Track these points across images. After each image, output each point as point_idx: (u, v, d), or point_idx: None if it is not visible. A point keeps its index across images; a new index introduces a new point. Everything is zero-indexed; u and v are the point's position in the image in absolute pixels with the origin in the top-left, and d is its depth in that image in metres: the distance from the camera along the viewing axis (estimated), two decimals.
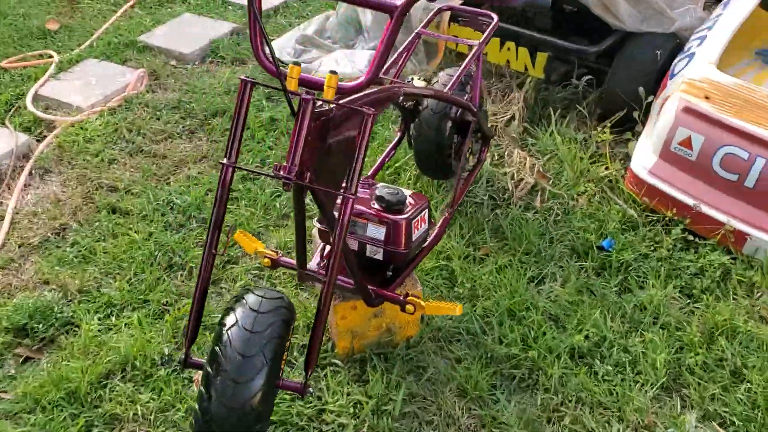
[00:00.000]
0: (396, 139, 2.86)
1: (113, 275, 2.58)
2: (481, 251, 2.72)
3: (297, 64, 1.62)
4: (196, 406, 1.58)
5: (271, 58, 1.63)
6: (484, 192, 2.99)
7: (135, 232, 2.75)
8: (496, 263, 2.64)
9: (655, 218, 2.86)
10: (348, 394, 2.17)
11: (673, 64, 3.09)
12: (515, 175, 3.04)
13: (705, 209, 2.72)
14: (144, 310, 2.43)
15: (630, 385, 2.23)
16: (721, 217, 2.69)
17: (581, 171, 3.10)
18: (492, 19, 2.69)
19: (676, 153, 2.76)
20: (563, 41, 3.26)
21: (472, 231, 2.79)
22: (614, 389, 2.21)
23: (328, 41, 3.93)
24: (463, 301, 2.50)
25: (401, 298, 2.07)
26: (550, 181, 3.05)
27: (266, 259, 2.16)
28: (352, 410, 2.11)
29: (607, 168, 3.11)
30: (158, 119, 3.45)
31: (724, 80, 2.80)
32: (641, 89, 3.12)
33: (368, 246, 2.14)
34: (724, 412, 2.17)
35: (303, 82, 1.63)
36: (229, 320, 1.59)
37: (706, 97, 2.74)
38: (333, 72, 1.62)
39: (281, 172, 1.61)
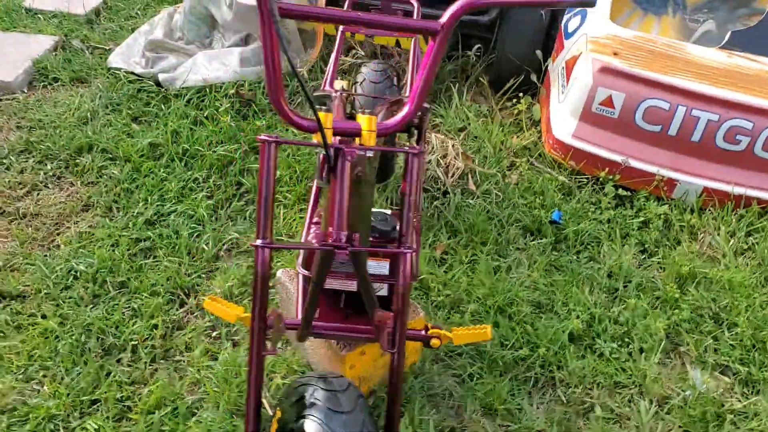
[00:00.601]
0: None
1: (38, 380, 2.08)
2: (438, 250, 2.58)
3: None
4: None
5: (291, 108, 1.32)
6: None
7: (42, 317, 2.25)
8: (460, 261, 2.51)
9: (584, 180, 2.89)
10: None
11: (564, 22, 3.11)
12: (440, 161, 2.91)
13: (634, 163, 2.79)
14: (99, 415, 1.99)
15: (635, 357, 2.24)
16: (650, 168, 2.78)
17: (499, 145, 3.04)
18: (412, 5, 2.48)
19: (598, 113, 2.79)
20: None
21: (422, 230, 2.63)
22: (624, 365, 2.21)
23: (180, 43, 3.47)
24: (445, 309, 2.35)
25: (423, 333, 1.87)
26: (476, 161, 2.95)
27: None
28: None
29: (518, 137, 3.09)
30: (8, 169, 2.84)
31: (626, 34, 2.85)
32: (539, 52, 3.10)
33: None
34: (724, 360, 2.26)
35: (337, 131, 1.35)
36: (313, 430, 1.30)
37: (615, 54, 2.78)
38: (370, 113, 1.35)
39: (329, 241, 1.34)
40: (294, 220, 2.63)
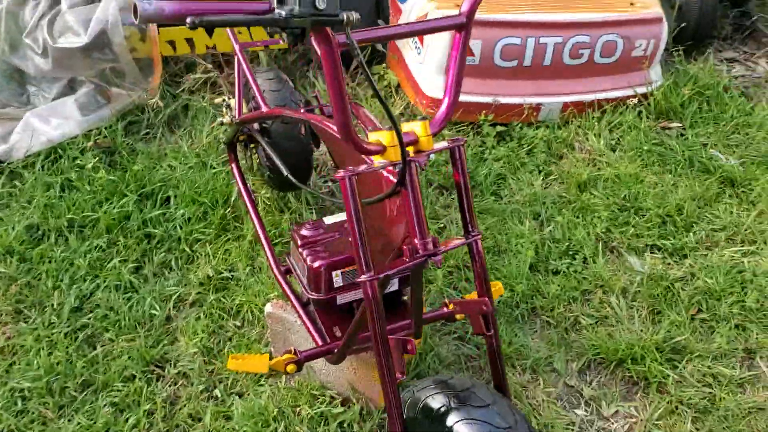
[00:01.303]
0: (237, 173, 2.48)
1: None
2: None
3: None
4: None
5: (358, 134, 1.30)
6: (322, 182, 2.83)
7: None
8: None
9: (465, 128, 3.09)
10: None
11: None
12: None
13: (503, 100, 3.03)
14: None
15: (585, 262, 2.51)
16: (517, 100, 3.04)
17: (379, 116, 3.11)
18: None
19: None
20: None
21: None
22: (583, 274, 2.46)
23: None
24: None
25: (445, 310, 1.94)
26: None
27: (291, 365, 1.79)
28: None
29: (391, 106, 3.19)
30: None
31: None
32: (381, 21, 3.20)
33: None
34: (649, 241, 2.60)
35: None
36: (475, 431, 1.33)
37: (457, 5, 2.96)
38: (423, 118, 1.38)
39: (422, 254, 1.36)
40: (227, 251, 2.51)
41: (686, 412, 2.06)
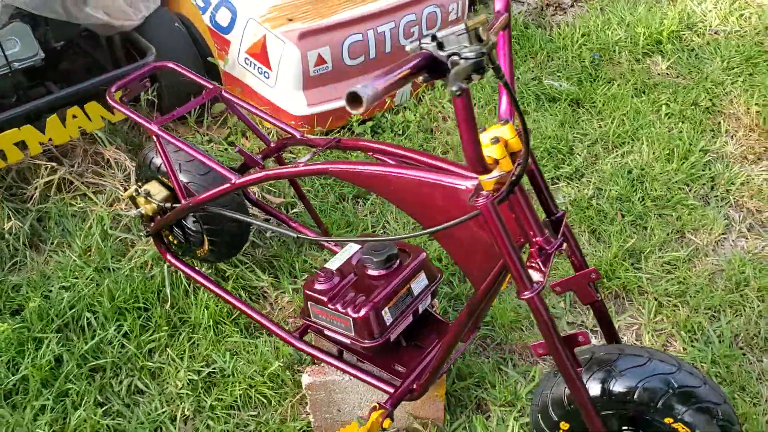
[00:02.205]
0: (175, 261, 2.23)
1: None
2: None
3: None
4: None
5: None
6: None
7: None
8: None
9: (338, 133, 3.07)
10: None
11: (211, 19, 3.05)
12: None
13: None
14: None
15: None
16: None
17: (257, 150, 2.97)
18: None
19: (317, 74, 2.93)
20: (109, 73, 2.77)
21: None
22: None
23: None
24: None
25: None
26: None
27: (387, 421, 1.73)
28: None
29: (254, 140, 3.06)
30: None
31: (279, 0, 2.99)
32: (212, 59, 3.02)
33: (420, 304, 1.90)
34: (549, 175, 2.85)
35: None
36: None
37: (290, 19, 2.91)
38: (505, 121, 1.39)
39: (550, 249, 1.41)
40: (193, 346, 2.27)
41: (670, 300, 2.36)
